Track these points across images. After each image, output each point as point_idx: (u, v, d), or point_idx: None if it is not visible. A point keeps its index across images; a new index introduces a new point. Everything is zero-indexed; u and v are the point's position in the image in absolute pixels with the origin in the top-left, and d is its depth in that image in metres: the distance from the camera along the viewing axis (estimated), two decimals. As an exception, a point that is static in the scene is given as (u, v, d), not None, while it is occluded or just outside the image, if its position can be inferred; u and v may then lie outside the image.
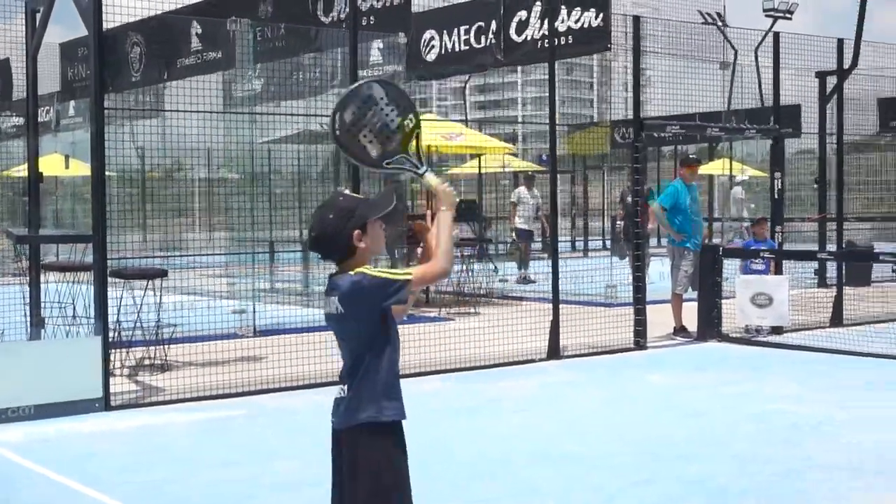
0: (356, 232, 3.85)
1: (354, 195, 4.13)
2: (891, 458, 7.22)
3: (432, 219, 3.97)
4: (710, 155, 32.33)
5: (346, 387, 3.90)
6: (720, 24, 28.44)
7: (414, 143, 4.00)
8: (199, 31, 14.41)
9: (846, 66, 15.97)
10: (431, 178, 3.94)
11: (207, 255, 19.50)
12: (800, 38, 16.45)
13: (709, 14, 27.39)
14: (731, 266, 13.82)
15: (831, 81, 16.51)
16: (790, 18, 29.63)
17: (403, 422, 3.92)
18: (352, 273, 3.83)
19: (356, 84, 4.02)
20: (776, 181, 13.40)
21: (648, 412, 8.99)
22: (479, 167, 25.22)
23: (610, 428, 8.39)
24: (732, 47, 22.84)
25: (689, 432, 8.11)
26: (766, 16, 29.25)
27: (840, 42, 15.52)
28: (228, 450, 7.74)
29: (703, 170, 31.09)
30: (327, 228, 3.87)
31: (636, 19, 12.84)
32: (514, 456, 7.40)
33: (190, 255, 18.88)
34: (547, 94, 12.54)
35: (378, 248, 3.96)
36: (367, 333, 3.85)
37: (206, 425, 8.58)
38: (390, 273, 3.83)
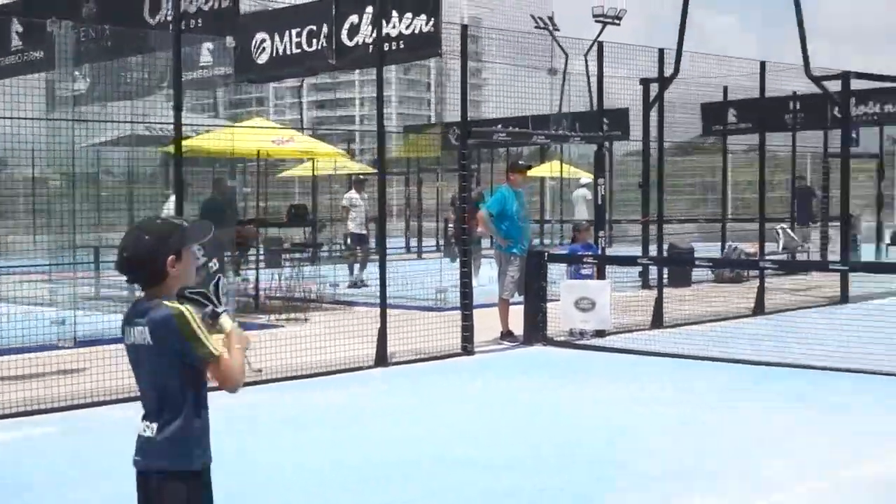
0: (171, 258, 3.77)
1: (172, 219, 4.05)
2: (705, 463, 7.43)
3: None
4: (542, 157, 32.92)
5: (152, 425, 3.75)
6: (551, 28, 29.08)
7: (213, 284, 3.99)
8: (20, 29, 13.94)
9: (669, 73, 16.47)
10: (226, 322, 3.87)
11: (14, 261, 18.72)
12: (625, 46, 16.92)
13: (541, 18, 27.96)
14: (558, 270, 14.16)
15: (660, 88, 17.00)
16: (618, 24, 30.51)
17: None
18: (169, 305, 3.69)
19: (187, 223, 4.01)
20: (599, 187, 13.72)
21: (466, 420, 9.05)
22: (313, 170, 25.09)
23: (419, 439, 8.34)
24: (563, 52, 23.34)
25: (506, 439, 8.22)
26: (596, 21, 30.08)
27: (661, 51, 16.02)
28: (33, 472, 7.46)
29: (535, 172, 31.65)
30: (141, 251, 3.76)
31: (464, 28, 12.95)
32: (329, 470, 7.36)
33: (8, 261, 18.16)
34: (385, 94, 12.54)
35: (188, 278, 3.86)
36: (177, 370, 3.71)
37: (14, 445, 8.27)
38: (205, 338, 3.69)
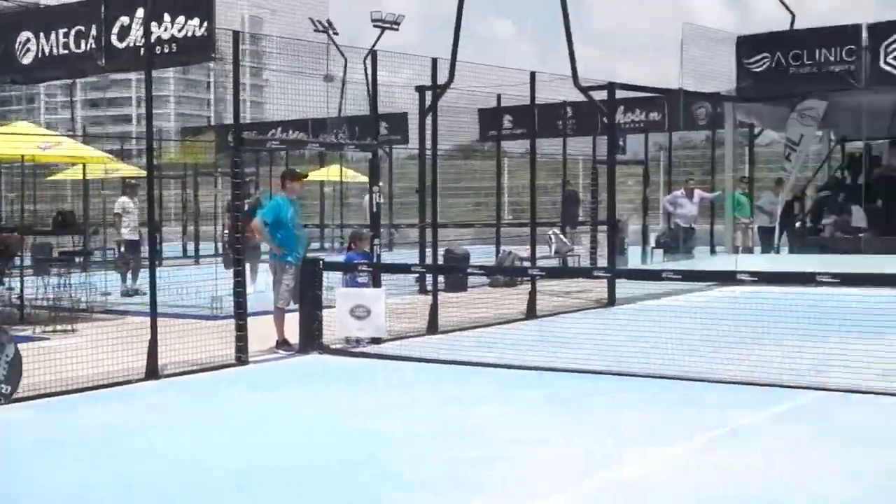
0: None
1: None
2: (472, 470, 7.53)
3: None
4: (322, 161, 32.90)
5: None
6: (331, 32, 29.06)
7: None
8: None
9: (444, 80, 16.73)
10: None
11: None
12: (400, 53, 17.06)
13: (319, 22, 27.89)
14: (336, 276, 14.16)
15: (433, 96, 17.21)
16: (397, 29, 30.75)
17: None
18: None
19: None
20: (374, 195, 13.79)
21: (238, 433, 8.91)
22: (84, 174, 24.24)
23: (187, 455, 8.14)
24: (342, 56, 23.37)
25: (279, 450, 8.13)
26: (375, 26, 30.24)
27: (434, 61, 16.23)
28: None
29: (315, 176, 31.59)
30: None
31: (236, 34, 12.77)
32: (79, 495, 7.10)
33: None
34: (163, 94, 12.22)
35: None
36: None
37: None
38: None
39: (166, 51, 12.72)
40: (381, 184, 31.47)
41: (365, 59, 22.46)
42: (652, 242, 25.37)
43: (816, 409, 9.50)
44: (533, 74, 17.58)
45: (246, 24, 62.46)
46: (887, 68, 20.31)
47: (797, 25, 23.94)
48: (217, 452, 8.21)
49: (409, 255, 19.63)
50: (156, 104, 11.26)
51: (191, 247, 30.31)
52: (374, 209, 13.83)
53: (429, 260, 17.03)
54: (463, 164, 39.09)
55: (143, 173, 27.02)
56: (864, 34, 20.67)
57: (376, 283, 13.73)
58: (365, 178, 29.52)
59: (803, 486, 7.00)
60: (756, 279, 11.15)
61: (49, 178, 32.26)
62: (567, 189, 27.06)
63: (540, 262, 21.53)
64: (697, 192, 24.43)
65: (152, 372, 11.24)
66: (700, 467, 7.50)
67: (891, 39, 20.20)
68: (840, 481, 7.11)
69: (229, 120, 42.32)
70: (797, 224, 24.56)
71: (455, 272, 16.96)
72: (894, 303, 13.19)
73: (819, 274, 10.06)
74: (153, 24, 12.40)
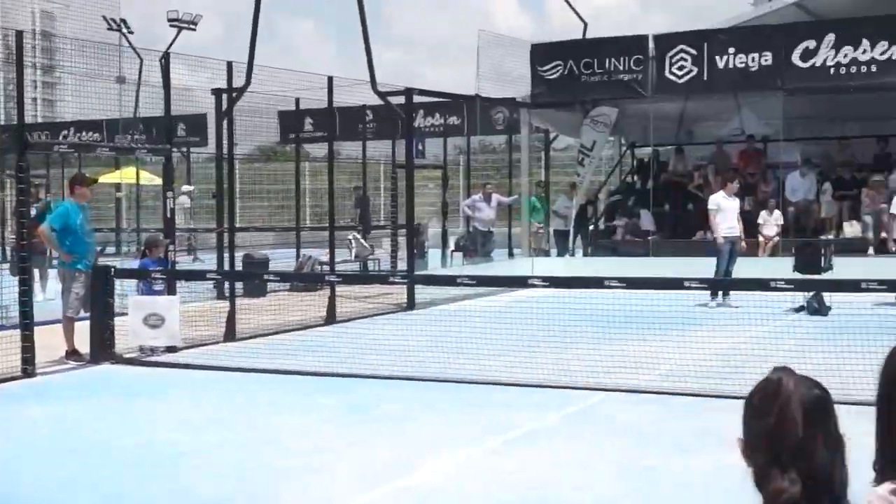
0: None
1: None
2: (269, 484, 7.47)
3: None
4: (117, 163, 31.92)
5: None
6: (125, 31, 28.26)
7: None
8: None
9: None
10: None
11: None
12: (194, 56, 16.79)
13: (113, 20, 27.07)
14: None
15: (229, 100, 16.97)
16: (194, 29, 30.17)
17: None
18: None
19: None
20: (168, 200, 13.51)
21: (20, 450, 8.59)
22: None
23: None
24: (138, 56, 22.78)
25: (65, 467, 7.89)
26: (171, 26, 29.56)
27: (230, 64, 16.00)
28: None
29: (110, 178, 30.68)
30: None
31: (19, 34, 12.27)
32: None
33: None
34: None
35: None
36: None
37: None
38: None
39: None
40: (192, 187, 30.85)
41: (161, 59, 21.97)
42: (452, 245, 25.68)
43: (603, 409, 9.82)
44: (330, 79, 17.58)
45: (37, 19, 60.15)
46: (672, 78, 21.19)
47: (590, 34, 24.74)
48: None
49: (210, 260, 19.33)
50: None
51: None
52: (169, 215, 13.53)
53: (227, 265, 16.79)
54: (264, 167, 38.66)
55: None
56: (651, 45, 21.51)
57: (172, 290, 13.45)
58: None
59: (588, 487, 7.24)
60: (547, 284, 11.44)
61: None
62: (357, 193, 27.19)
63: (340, 266, 21.57)
64: (495, 196, 24.87)
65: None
66: (490, 470, 7.66)
67: (675, 50, 21.09)
68: (621, 480, 7.38)
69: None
70: (591, 227, 25.32)
71: (250, 278, 16.78)
72: (677, 305, 13.78)
73: (607, 279, 10.40)
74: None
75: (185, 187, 29.29)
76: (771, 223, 21.21)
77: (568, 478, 7.46)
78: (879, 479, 2.54)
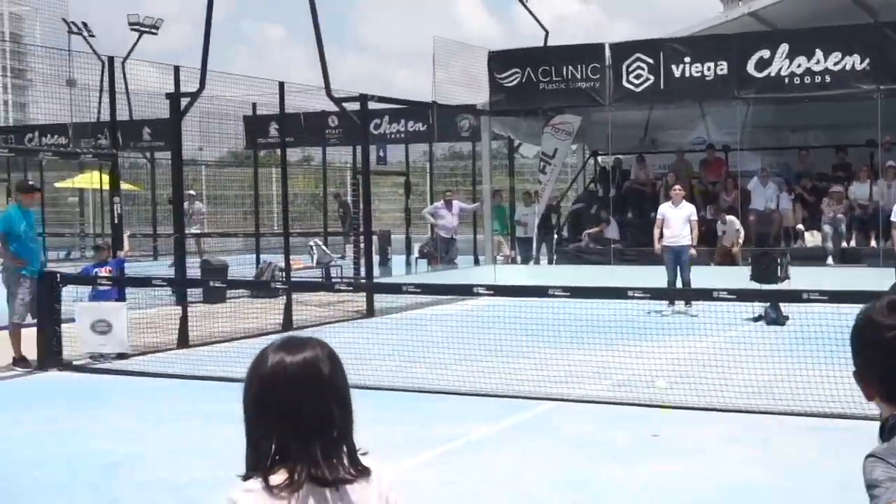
0: None
1: None
2: (203, 496, 7.36)
3: None
4: (81, 167, 31.72)
5: None
6: (86, 34, 28.10)
7: None
8: None
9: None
10: None
11: None
12: (145, 61, 16.66)
13: (74, 23, 26.94)
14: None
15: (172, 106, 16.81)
16: (156, 33, 29.98)
17: None
18: None
19: None
20: (115, 205, 13.38)
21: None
22: None
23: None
24: (100, 59, 22.61)
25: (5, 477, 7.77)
26: (132, 30, 29.34)
27: (177, 69, 15.84)
28: None
29: (79, 182, 30.52)
30: None
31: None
32: None
33: None
34: None
35: None
36: None
37: None
38: None
39: None
40: (191, 192, 30.53)
41: (123, 62, 21.89)
42: (416, 252, 25.61)
43: (550, 419, 9.76)
44: (282, 84, 17.52)
45: (6, 21, 59.76)
46: (629, 86, 21.17)
47: (556, 42, 24.67)
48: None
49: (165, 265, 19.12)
50: None
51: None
52: (116, 220, 13.39)
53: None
54: (233, 173, 38.48)
55: None
56: (608, 53, 21.48)
57: (122, 296, 13.33)
58: (127, 185, 28.78)
59: (524, 497, 7.17)
60: (492, 293, 11.38)
61: None
62: (340, 199, 27.17)
63: (303, 273, 21.43)
64: (456, 203, 24.79)
65: None
66: (427, 481, 7.56)
67: (631, 59, 21.07)
68: (559, 490, 7.31)
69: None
70: (554, 235, 25.26)
71: (195, 285, 16.65)
72: (633, 314, 13.76)
73: (552, 287, 10.35)
74: None
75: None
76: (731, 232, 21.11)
77: (504, 488, 7.39)
78: None
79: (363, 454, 2.58)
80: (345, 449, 2.56)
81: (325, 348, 2.60)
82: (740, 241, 20.49)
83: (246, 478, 2.50)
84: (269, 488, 2.45)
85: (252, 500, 2.45)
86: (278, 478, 2.46)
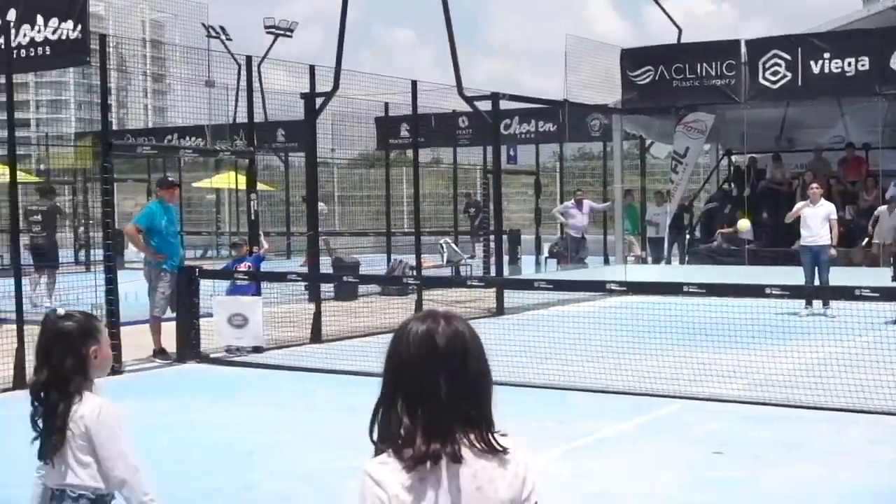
0: None
1: None
2: (337, 483, 7.44)
3: None
4: (217, 167, 32.48)
5: None
6: (223, 38, 28.75)
7: None
8: None
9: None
10: None
11: None
12: (282, 61, 16.92)
13: (212, 27, 27.59)
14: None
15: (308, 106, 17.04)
16: (290, 36, 30.53)
17: None
18: None
19: None
20: (252, 202, 13.64)
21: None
22: None
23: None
24: (236, 62, 23.10)
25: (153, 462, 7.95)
26: (268, 33, 29.96)
27: (312, 68, 16.05)
28: None
29: (216, 182, 31.25)
30: None
31: (102, 38, 12.52)
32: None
33: None
34: (63, 98, 11.95)
35: None
36: None
37: None
38: None
39: (39, 53, 12.42)
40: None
41: (259, 65, 22.28)
42: (545, 252, 25.51)
43: (681, 418, 9.60)
44: (415, 83, 17.56)
45: (147, 28, 61.65)
46: (766, 83, 20.67)
47: (689, 41, 24.26)
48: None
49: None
50: (56, 108, 10.99)
51: (82, 253, 29.63)
52: (252, 217, 13.66)
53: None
54: (365, 173, 38.93)
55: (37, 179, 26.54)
56: (744, 50, 21.02)
57: (257, 291, 13.60)
58: (262, 186, 29.34)
59: (657, 495, 7.07)
60: (625, 289, 11.25)
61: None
62: (470, 199, 27.23)
63: (433, 271, 21.57)
64: (587, 203, 24.61)
65: (20, 381, 10.93)
66: (559, 476, 7.51)
67: (768, 55, 20.57)
68: (692, 490, 7.19)
69: (131, 125, 41.60)
70: (686, 235, 24.91)
71: (330, 280, 16.87)
72: (769, 314, 13.45)
73: (686, 284, 10.18)
74: (26, 25, 12.13)
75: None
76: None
77: (637, 485, 7.30)
78: None
79: (503, 435, 2.56)
80: (483, 427, 2.54)
81: (468, 324, 2.59)
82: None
83: (378, 451, 2.50)
84: (403, 461, 2.45)
85: (387, 472, 2.46)
86: (412, 451, 2.45)
